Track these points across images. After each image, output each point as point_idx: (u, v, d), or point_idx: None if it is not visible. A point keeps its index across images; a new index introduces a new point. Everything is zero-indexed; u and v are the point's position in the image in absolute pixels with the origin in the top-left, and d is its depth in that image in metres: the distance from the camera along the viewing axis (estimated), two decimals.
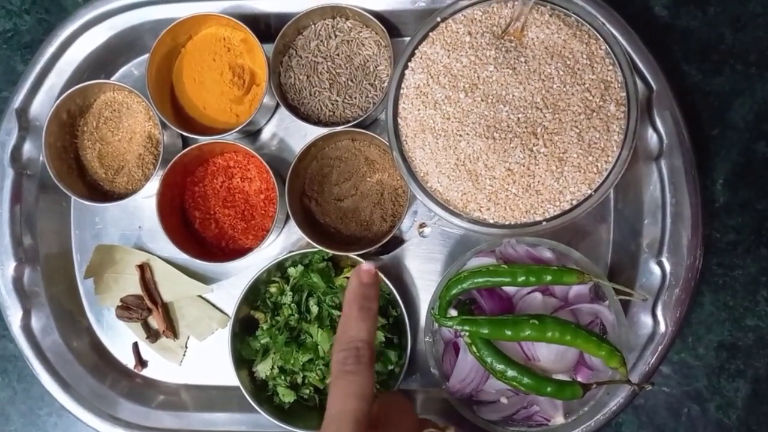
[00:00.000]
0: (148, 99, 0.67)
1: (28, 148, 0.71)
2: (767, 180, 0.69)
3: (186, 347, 0.72)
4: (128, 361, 0.73)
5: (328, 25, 0.69)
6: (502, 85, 0.57)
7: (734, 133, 0.69)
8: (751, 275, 0.68)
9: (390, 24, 0.69)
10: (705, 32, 0.70)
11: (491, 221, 0.58)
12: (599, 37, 0.58)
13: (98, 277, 0.72)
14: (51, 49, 0.71)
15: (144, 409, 0.70)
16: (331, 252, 0.65)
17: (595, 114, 0.56)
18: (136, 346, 0.73)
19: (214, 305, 0.72)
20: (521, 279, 0.55)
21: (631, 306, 0.64)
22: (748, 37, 0.70)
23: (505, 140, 0.56)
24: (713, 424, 0.68)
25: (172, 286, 0.71)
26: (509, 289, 0.58)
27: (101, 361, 0.72)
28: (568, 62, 0.57)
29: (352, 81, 0.68)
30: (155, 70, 0.68)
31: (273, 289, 0.67)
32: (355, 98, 0.68)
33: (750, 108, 0.69)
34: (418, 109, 0.59)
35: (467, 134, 0.57)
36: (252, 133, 0.72)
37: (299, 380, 0.66)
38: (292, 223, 0.68)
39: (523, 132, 0.56)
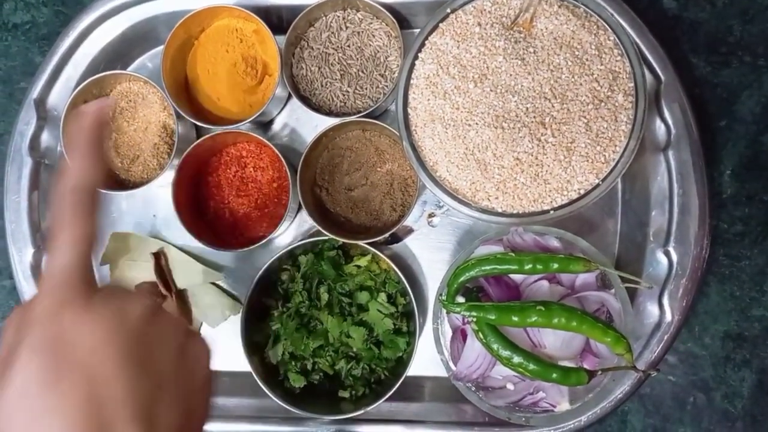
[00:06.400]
0: (163, 90, 0.68)
1: (46, 137, 0.73)
2: None
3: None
4: None
5: (339, 16, 0.70)
6: (510, 75, 0.58)
7: (742, 125, 0.70)
8: (757, 266, 0.69)
9: (400, 15, 0.69)
10: (713, 24, 0.70)
11: (499, 210, 0.59)
12: (608, 27, 0.58)
13: (113, 264, 0.74)
14: (68, 41, 0.73)
15: None
16: (341, 240, 0.66)
17: (603, 104, 0.57)
18: None
19: (226, 292, 0.73)
20: (528, 267, 0.55)
21: (638, 295, 0.65)
22: (756, 29, 0.70)
23: (514, 130, 0.57)
24: (719, 414, 0.68)
25: (185, 273, 0.73)
26: (516, 277, 0.59)
27: None
28: (577, 53, 0.57)
29: (362, 72, 0.69)
30: (170, 62, 0.70)
31: (284, 276, 0.69)
32: (366, 89, 0.69)
33: (758, 100, 0.70)
34: (428, 100, 0.60)
35: (476, 124, 0.58)
36: (264, 124, 0.73)
37: (309, 366, 0.67)
38: (303, 212, 0.69)
39: (532, 122, 0.57)
